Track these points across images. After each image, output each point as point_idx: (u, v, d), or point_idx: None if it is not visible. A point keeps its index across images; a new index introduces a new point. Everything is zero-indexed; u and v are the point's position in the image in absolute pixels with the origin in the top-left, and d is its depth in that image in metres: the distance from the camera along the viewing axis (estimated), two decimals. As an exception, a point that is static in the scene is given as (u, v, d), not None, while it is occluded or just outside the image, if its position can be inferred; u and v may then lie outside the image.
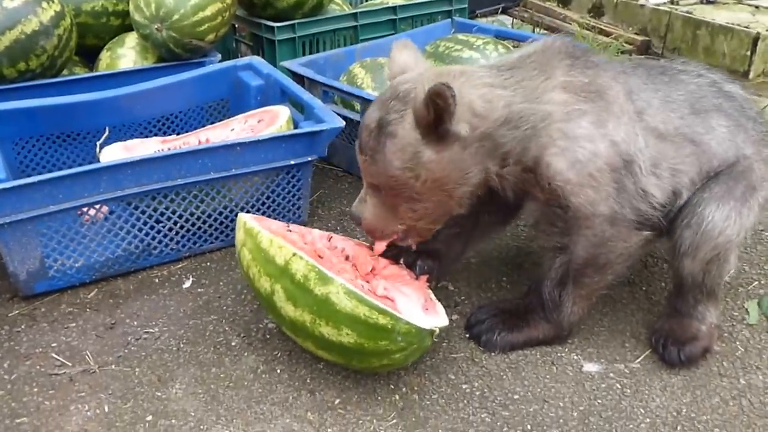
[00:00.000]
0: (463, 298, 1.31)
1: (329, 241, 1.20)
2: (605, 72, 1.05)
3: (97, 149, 1.51)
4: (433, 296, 1.11)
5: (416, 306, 1.04)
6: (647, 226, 1.06)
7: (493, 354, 1.15)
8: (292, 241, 1.08)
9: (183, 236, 1.42)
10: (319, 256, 1.08)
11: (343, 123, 1.44)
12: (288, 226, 1.19)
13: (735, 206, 1.05)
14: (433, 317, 1.04)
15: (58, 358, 1.15)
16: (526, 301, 1.16)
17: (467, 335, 1.18)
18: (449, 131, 0.97)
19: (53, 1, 1.67)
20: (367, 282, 1.07)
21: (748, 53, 2.42)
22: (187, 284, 1.36)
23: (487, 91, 1.00)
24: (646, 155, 1.03)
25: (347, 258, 1.15)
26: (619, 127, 1.01)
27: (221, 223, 1.44)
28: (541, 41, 1.10)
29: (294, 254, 1.02)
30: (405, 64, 1.07)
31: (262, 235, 1.08)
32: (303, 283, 1.00)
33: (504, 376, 1.11)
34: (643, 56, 2.62)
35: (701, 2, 2.77)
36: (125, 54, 1.86)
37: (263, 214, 1.49)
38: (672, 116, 1.07)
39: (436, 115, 0.95)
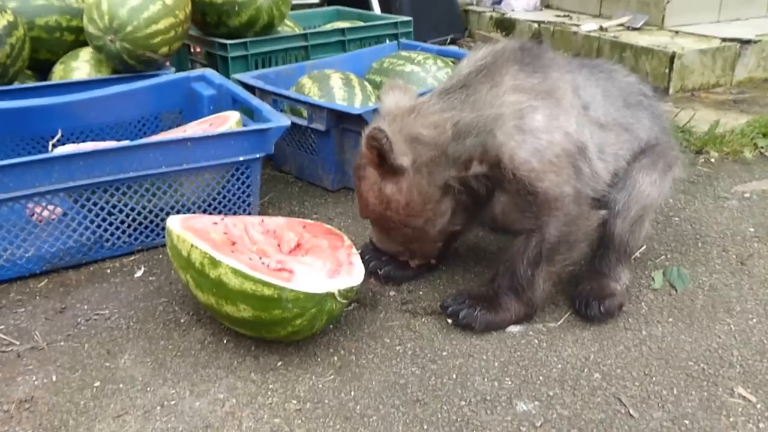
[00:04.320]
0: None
1: (262, 223, 1.30)
2: (554, 72, 1.19)
3: (50, 148, 1.57)
4: (356, 260, 1.19)
5: (319, 272, 1.10)
6: (602, 206, 1.21)
7: (426, 321, 1.25)
8: (205, 235, 1.15)
9: (135, 229, 1.48)
10: (233, 243, 1.18)
11: (289, 122, 1.55)
12: (222, 218, 1.28)
13: (658, 175, 1.26)
14: (341, 279, 1.10)
15: (5, 337, 1.18)
16: (494, 286, 1.23)
17: (448, 318, 1.22)
18: (395, 165, 1.12)
19: (6, 12, 1.74)
20: (287, 257, 1.16)
21: (667, 71, 2.70)
22: (139, 273, 1.42)
23: (437, 118, 1.14)
24: (594, 142, 1.19)
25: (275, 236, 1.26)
26: (570, 120, 1.16)
27: (173, 216, 1.51)
28: (490, 50, 1.20)
29: (192, 245, 1.11)
30: (388, 110, 1.22)
31: (174, 232, 1.17)
32: (201, 269, 1.10)
33: (435, 338, 1.21)
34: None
35: (627, 29, 3.08)
36: (79, 66, 1.91)
37: (214, 209, 1.57)
38: (611, 109, 1.25)
39: (378, 154, 1.12)
